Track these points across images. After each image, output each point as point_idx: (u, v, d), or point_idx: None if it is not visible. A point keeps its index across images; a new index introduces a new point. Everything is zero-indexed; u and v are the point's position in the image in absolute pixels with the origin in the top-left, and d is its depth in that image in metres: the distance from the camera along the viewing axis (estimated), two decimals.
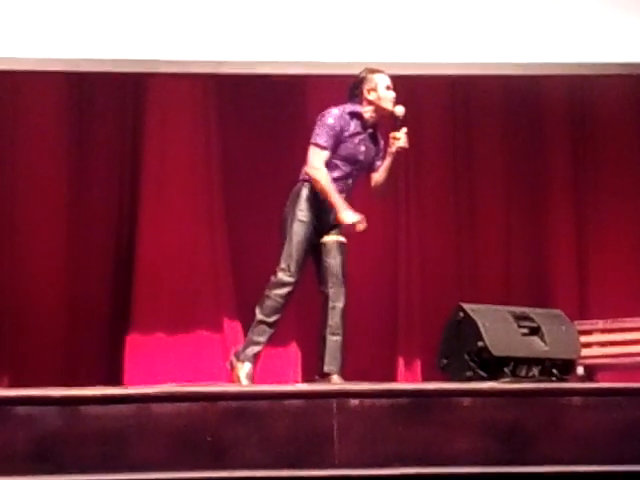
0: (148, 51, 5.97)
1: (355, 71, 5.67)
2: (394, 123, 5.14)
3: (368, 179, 5.31)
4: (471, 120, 6.82)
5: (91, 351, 6.42)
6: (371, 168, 5.25)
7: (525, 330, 5.06)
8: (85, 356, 6.39)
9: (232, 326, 6.47)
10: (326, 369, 5.06)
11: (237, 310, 6.48)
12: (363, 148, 5.17)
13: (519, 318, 5.07)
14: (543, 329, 5.07)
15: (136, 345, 6.39)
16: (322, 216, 5.15)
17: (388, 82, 5.20)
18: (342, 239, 5.19)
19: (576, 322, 5.54)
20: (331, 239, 5.16)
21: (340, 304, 5.12)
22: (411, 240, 6.69)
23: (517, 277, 6.71)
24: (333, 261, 5.12)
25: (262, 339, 5.11)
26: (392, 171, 5.23)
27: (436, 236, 6.70)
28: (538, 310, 5.28)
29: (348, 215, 5.06)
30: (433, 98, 6.75)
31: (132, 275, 6.49)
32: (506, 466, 4.20)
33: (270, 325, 5.10)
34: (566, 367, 5.10)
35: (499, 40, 6.10)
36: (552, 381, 4.96)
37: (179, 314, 6.44)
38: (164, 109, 6.61)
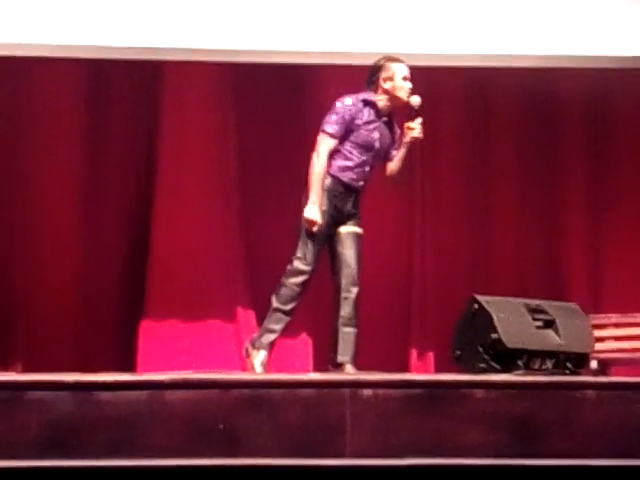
0: (165, 39, 5.97)
1: (371, 61, 5.67)
2: (409, 113, 5.13)
3: (384, 168, 5.31)
4: (488, 113, 6.80)
5: (105, 337, 6.44)
6: (387, 157, 5.25)
7: (539, 323, 5.05)
8: (99, 342, 6.41)
9: (245, 314, 6.47)
10: (339, 359, 5.07)
11: (250, 299, 6.48)
12: (377, 135, 5.17)
13: (533, 311, 5.07)
14: (557, 322, 5.06)
15: (150, 332, 6.41)
16: (339, 205, 5.14)
17: (406, 72, 5.20)
18: (358, 230, 5.19)
19: (590, 316, 5.53)
20: (347, 230, 5.17)
21: (352, 295, 5.13)
22: (425, 232, 6.68)
23: (531, 270, 6.70)
24: (347, 252, 5.13)
25: (278, 327, 5.12)
26: (407, 161, 5.24)
27: (450, 228, 6.69)
28: (553, 303, 5.28)
29: (309, 210, 5.07)
30: (450, 90, 6.73)
31: (146, 262, 6.50)
32: (518, 459, 4.20)
33: (286, 313, 5.11)
34: (580, 361, 5.10)
35: (517, 31, 6.08)
36: (565, 374, 4.95)
37: (193, 302, 6.45)
38: (181, 97, 6.61)
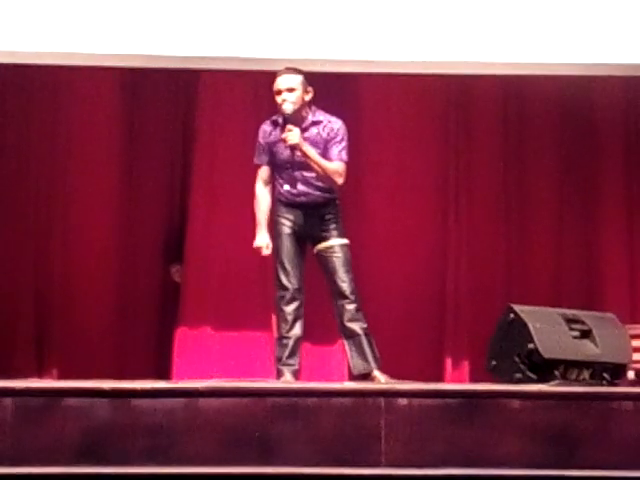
0: (201, 48, 5.99)
1: (407, 70, 5.69)
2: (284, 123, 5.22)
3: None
4: (523, 119, 6.77)
5: (140, 345, 6.46)
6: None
7: (576, 333, 5.02)
8: (134, 349, 6.43)
9: None
10: (363, 369, 5.08)
11: None
12: (288, 150, 5.24)
13: (570, 320, 5.03)
14: (594, 332, 5.02)
15: (185, 339, 6.42)
16: (302, 223, 5.27)
17: (277, 85, 5.28)
18: (335, 242, 5.26)
19: (628, 326, 5.48)
20: (324, 245, 5.25)
21: (346, 309, 5.20)
22: (460, 240, 6.65)
23: (567, 279, 6.65)
24: (328, 268, 5.21)
25: (292, 359, 5.22)
26: (310, 163, 5.21)
27: (485, 236, 6.65)
28: (589, 313, 5.24)
29: (256, 240, 5.30)
30: (486, 96, 6.71)
31: (182, 269, 6.52)
32: (555, 469, 4.18)
33: (290, 338, 5.21)
34: (617, 371, 5.06)
35: (554, 39, 6.04)
36: (603, 385, 4.91)
37: (228, 309, 6.46)
38: (216, 105, 6.63)
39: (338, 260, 5.23)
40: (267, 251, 5.30)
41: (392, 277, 6.48)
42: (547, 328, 4.92)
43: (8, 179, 6.49)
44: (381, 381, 5.05)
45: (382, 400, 4.20)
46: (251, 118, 6.61)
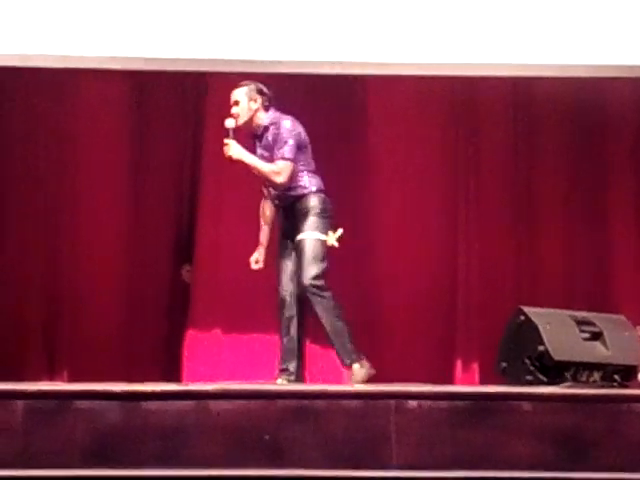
0: (209, 50, 5.99)
1: (415, 72, 5.68)
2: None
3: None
4: (532, 121, 6.76)
5: (150, 347, 6.46)
6: None
7: (587, 335, 5.02)
8: (144, 352, 6.43)
9: None
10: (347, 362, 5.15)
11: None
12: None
13: (580, 322, 5.03)
14: (605, 334, 5.02)
15: (194, 342, 6.43)
16: (284, 225, 5.39)
17: (232, 98, 5.44)
18: (309, 235, 5.27)
19: (638, 328, 5.47)
20: (297, 240, 5.29)
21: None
22: (470, 242, 6.64)
23: (578, 281, 6.63)
24: (299, 258, 5.26)
25: (286, 363, 5.29)
26: (250, 169, 5.35)
27: (496, 238, 6.64)
28: (600, 315, 5.23)
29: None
30: (493, 99, 6.70)
31: (191, 271, 6.53)
32: (565, 472, 4.18)
33: (285, 342, 5.30)
34: (628, 373, 5.05)
35: (564, 40, 6.03)
36: (613, 387, 4.91)
37: (237, 312, 6.46)
38: (224, 107, 6.61)
39: (302, 254, 5.24)
40: (255, 266, 5.48)
41: (402, 280, 6.47)
42: (557, 330, 4.92)
43: (16, 182, 6.50)
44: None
45: (392, 402, 4.20)
46: None
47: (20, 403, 4.11)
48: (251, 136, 5.46)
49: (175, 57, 5.98)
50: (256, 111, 5.38)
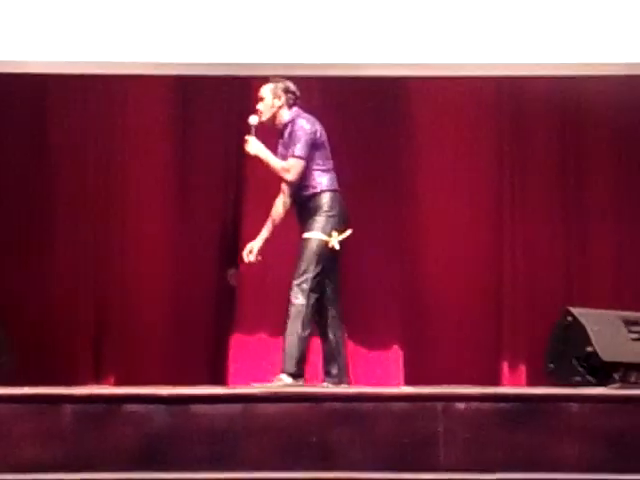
0: (254, 55, 6.01)
1: (460, 73, 5.65)
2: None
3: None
4: (580, 122, 6.71)
5: (196, 350, 6.49)
6: None
7: (635, 335, 4.98)
8: (190, 355, 6.46)
9: None
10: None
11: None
12: None
13: (629, 323, 4.99)
14: None
15: (240, 344, 6.44)
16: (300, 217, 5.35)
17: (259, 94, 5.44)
18: (310, 235, 5.24)
19: None
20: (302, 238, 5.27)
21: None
22: (516, 242, 6.61)
23: (627, 281, 6.57)
24: (299, 256, 5.24)
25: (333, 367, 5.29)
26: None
27: (542, 237, 6.60)
28: None
29: None
30: (540, 98, 6.66)
31: (237, 274, 6.55)
32: (614, 473, 4.15)
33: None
34: None
35: (611, 39, 5.98)
36: None
37: (283, 314, 6.46)
38: None
39: (301, 253, 5.23)
40: (249, 257, 5.42)
41: (448, 281, 6.45)
42: (606, 331, 4.88)
43: (66, 187, 6.57)
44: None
45: (440, 404, 4.18)
46: None
47: (69, 407, 4.14)
48: (276, 133, 5.46)
49: (220, 62, 6.01)
50: (279, 108, 5.38)
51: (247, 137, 5.36)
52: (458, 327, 6.42)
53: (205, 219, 6.62)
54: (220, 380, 6.27)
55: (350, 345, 6.31)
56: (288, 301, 5.19)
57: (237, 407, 4.17)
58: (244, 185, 6.65)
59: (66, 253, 6.52)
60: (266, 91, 5.41)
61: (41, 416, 4.14)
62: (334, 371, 5.25)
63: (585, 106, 6.65)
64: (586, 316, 4.92)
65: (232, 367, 6.41)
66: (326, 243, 5.21)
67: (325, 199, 5.28)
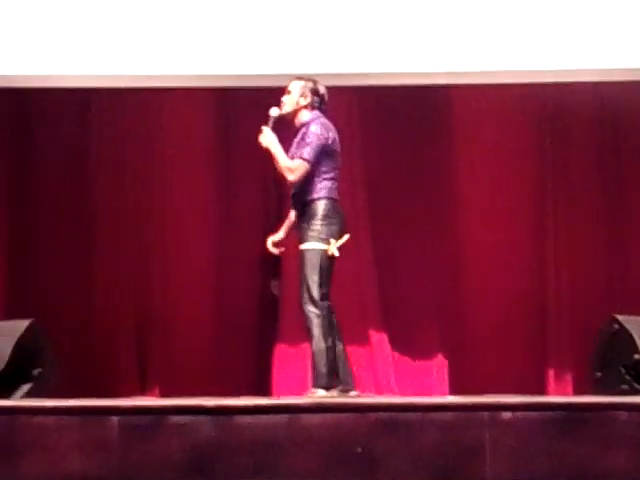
0: (293, 65, 6.03)
1: (499, 80, 5.63)
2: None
3: None
4: (619, 125, 6.67)
5: (240, 360, 6.50)
6: None
7: None
8: (234, 365, 6.48)
9: (378, 337, 6.46)
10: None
11: (383, 322, 6.47)
12: None
13: None
14: None
15: (284, 355, 6.45)
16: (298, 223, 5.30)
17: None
18: (306, 246, 5.17)
19: None
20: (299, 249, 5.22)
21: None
22: (559, 248, 6.57)
23: None
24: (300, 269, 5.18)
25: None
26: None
27: (586, 245, 6.56)
28: None
29: None
30: (579, 104, 6.63)
31: (279, 285, 6.56)
32: None
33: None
34: None
35: None
36: None
37: None
38: None
39: (301, 266, 5.17)
40: (272, 249, 5.42)
41: (492, 289, 6.43)
42: None
43: (108, 202, 6.61)
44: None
45: (485, 414, 4.16)
46: (343, 132, 6.62)
47: (115, 419, 4.16)
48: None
49: (258, 73, 6.04)
50: (302, 107, 5.34)
51: (263, 127, 5.30)
52: (502, 335, 6.39)
53: (247, 231, 6.63)
54: (264, 390, 6.27)
55: (395, 355, 6.32)
56: (303, 316, 5.13)
57: (282, 418, 4.17)
58: (285, 196, 6.66)
59: (109, 265, 6.57)
60: (295, 86, 5.37)
61: (87, 428, 4.15)
62: (342, 377, 5.19)
63: (626, 112, 6.60)
64: (633, 324, 4.88)
65: (276, 377, 6.42)
66: (325, 251, 5.18)
67: (322, 206, 5.23)
